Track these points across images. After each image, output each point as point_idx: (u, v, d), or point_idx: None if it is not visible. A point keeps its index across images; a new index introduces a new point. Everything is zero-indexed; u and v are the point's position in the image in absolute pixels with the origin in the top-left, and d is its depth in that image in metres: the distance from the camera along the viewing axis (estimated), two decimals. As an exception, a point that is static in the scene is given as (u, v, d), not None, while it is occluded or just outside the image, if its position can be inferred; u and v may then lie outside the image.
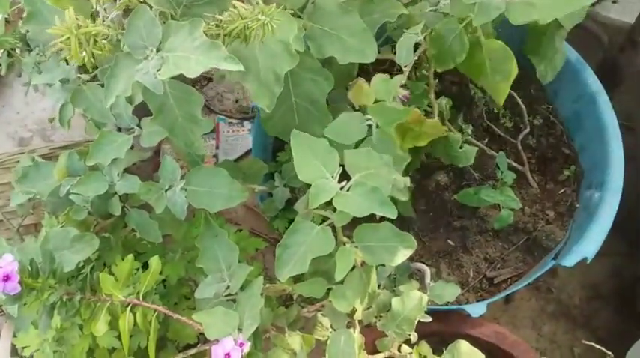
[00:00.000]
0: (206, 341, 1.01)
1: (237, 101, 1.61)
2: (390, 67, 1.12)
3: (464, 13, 0.82)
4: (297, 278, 0.90)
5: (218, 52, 0.62)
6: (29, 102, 1.62)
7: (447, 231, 1.20)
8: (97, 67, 0.88)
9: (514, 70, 0.89)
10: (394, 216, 0.68)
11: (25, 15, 0.85)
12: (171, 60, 0.64)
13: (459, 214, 1.20)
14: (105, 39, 0.62)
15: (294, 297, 1.02)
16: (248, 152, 1.55)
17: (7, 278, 0.70)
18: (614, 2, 1.37)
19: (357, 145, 0.81)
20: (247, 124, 1.58)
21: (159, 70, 0.64)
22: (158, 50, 0.66)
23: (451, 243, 1.19)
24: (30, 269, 0.74)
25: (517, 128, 1.26)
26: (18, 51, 1.21)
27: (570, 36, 1.10)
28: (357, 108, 0.88)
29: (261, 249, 1.40)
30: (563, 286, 1.40)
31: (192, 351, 0.95)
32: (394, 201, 0.71)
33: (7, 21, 1.20)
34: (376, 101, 0.86)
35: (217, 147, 1.54)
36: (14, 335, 1.12)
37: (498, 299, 1.12)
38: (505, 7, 0.80)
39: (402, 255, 0.72)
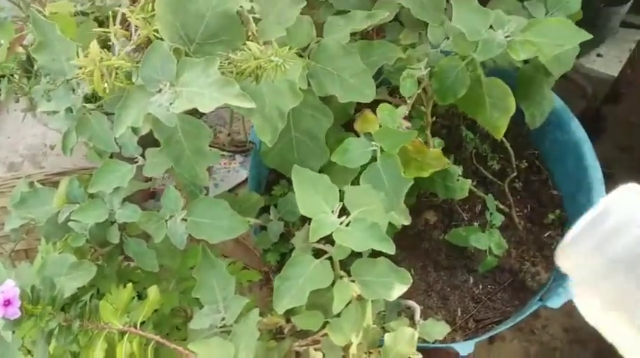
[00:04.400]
0: (195, 373, 1.01)
1: (229, 134, 1.63)
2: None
3: (466, 50, 0.87)
4: (290, 312, 0.91)
5: (232, 89, 0.64)
6: (20, 128, 1.63)
7: (436, 269, 1.22)
8: (101, 98, 0.90)
9: (512, 107, 0.94)
10: (392, 252, 0.70)
11: (35, 44, 0.87)
12: (185, 94, 0.66)
13: (448, 253, 1.23)
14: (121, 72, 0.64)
15: (285, 331, 1.03)
16: (239, 185, 1.57)
17: (8, 303, 0.70)
18: (598, 55, 1.44)
19: (362, 169, 0.83)
20: (239, 158, 1.61)
21: (172, 103, 0.67)
22: (172, 84, 0.68)
23: (439, 281, 1.21)
24: (30, 295, 0.74)
25: (504, 171, 1.30)
26: (16, 77, 1.23)
27: (557, 86, 1.15)
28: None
29: (250, 284, 1.41)
30: (546, 328, 1.43)
31: (182, 383, 0.95)
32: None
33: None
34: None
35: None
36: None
37: (484, 339, 1.14)
38: (507, 45, 0.86)
39: (398, 290, 0.74)
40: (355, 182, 0.88)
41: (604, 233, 0.47)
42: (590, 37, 0.85)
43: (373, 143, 0.86)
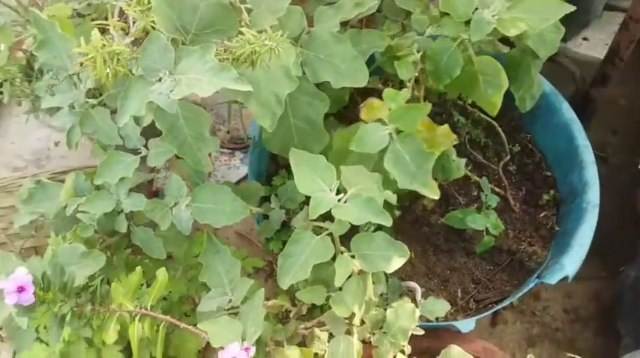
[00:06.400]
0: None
1: (229, 132, 1.66)
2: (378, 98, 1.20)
3: (457, 32, 0.91)
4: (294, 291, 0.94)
5: (229, 73, 0.68)
6: (24, 132, 1.65)
7: (435, 253, 1.25)
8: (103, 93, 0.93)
9: (505, 82, 0.97)
10: (389, 224, 0.73)
11: (36, 43, 0.90)
12: (184, 81, 0.70)
13: (446, 237, 1.26)
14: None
15: (291, 315, 1.05)
16: (240, 181, 1.60)
17: (21, 289, 0.73)
18: (584, 39, 1.47)
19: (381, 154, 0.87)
20: (239, 154, 1.64)
21: (172, 90, 0.70)
22: (171, 73, 0.71)
23: (439, 264, 1.24)
24: (42, 282, 0.77)
25: (498, 155, 1.33)
26: (17, 81, 1.26)
27: (546, 70, 1.18)
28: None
29: (255, 274, 1.44)
30: (546, 309, 1.45)
31: (192, 367, 0.98)
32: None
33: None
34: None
35: (209, 176, 1.59)
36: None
37: (485, 316, 1.16)
38: (497, 22, 0.89)
39: (397, 263, 0.76)
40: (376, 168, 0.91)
41: None
42: (573, 8, 0.90)
43: (387, 126, 0.88)
